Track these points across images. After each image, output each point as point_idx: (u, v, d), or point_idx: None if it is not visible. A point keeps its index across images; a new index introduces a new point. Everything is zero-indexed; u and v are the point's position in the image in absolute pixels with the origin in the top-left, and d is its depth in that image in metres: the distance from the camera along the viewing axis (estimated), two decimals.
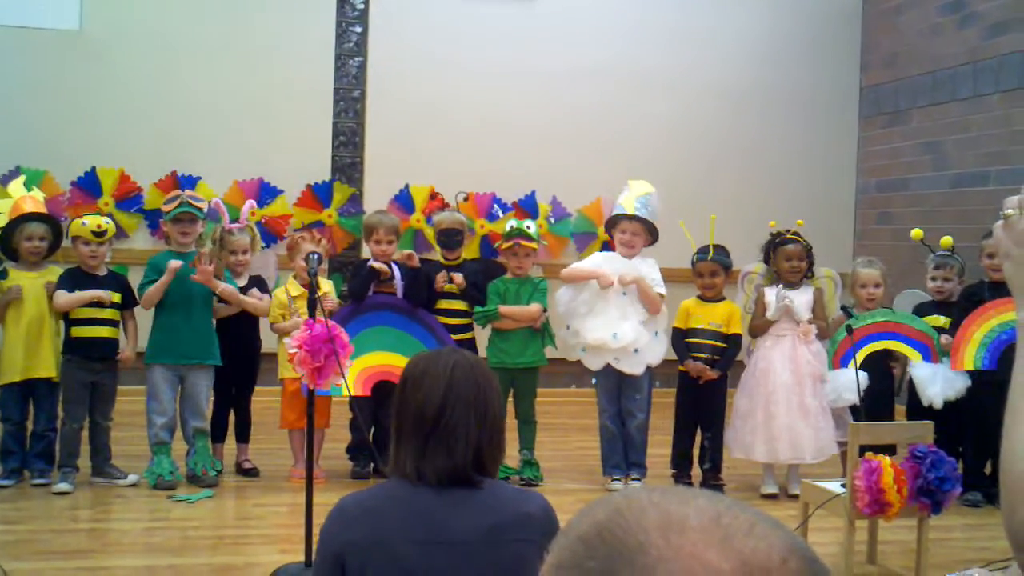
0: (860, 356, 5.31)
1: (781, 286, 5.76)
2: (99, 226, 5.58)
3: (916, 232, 5.58)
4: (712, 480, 5.74)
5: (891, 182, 8.67)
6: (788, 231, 5.89)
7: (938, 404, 5.38)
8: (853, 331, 5.20)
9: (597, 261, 5.90)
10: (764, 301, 5.80)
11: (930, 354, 5.57)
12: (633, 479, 5.76)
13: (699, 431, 5.86)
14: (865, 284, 5.88)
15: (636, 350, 5.68)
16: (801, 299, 5.74)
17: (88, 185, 7.82)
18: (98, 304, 5.50)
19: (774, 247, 5.85)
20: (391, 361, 5.61)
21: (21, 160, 7.59)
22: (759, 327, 5.79)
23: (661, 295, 5.75)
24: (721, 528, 0.87)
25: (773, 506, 5.52)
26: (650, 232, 5.84)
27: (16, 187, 5.76)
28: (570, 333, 5.85)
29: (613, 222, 5.90)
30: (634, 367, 5.71)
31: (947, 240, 5.63)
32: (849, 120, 9.11)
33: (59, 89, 7.79)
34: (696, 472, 5.84)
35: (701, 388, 5.74)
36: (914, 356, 5.61)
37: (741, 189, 8.64)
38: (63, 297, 5.46)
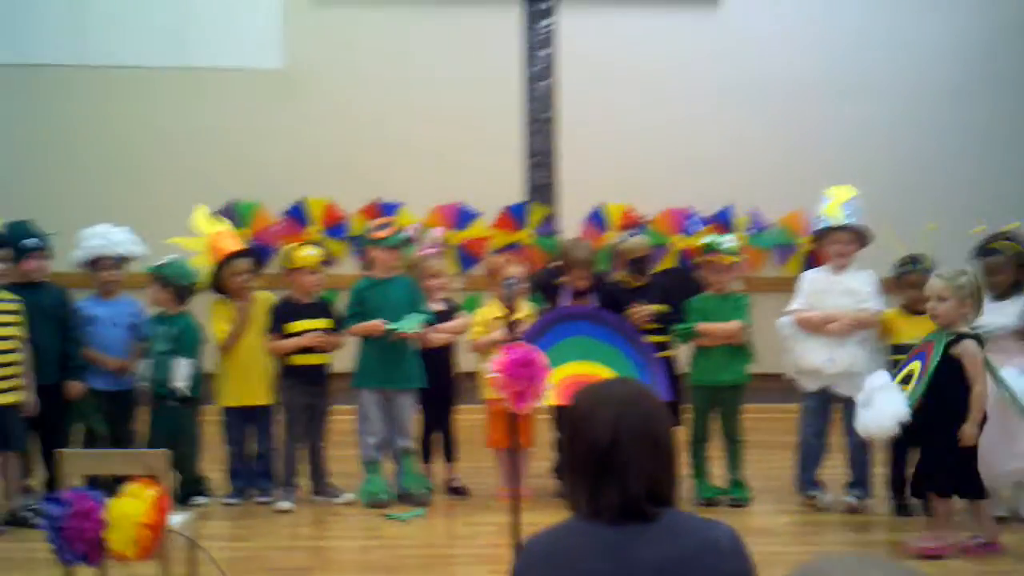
0: None
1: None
2: (323, 254, 5.88)
3: None
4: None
5: None
6: (996, 237, 5.54)
7: None
8: None
9: (808, 280, 5.75)
10: None
11: None
12: (855, 496, 5.60)
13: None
14: None
15: (853, 374, 5.51)
16: (1008, 311, 5.36)
17: (297, 215, 8.21)
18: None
19: (978, 258, 5.52)
20: (592, 371, 5.54)
21: (236, 193, 8.04)
22: None
23: (877, 311, 5.58)
24: None
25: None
26: (860, 238, 5.66)
27: (203, 220, 5.86)
28: (788, 355, 5.74)
29: (822, 234, 5.74)
30: (852, 390, 5.54)
31: None
32: None
33: (267, 126, 8.22)
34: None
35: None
36: None
37: (957, 193, 8.24)
38: (277, 343, 5.76)
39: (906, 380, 4.96)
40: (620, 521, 2.08)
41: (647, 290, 5.99)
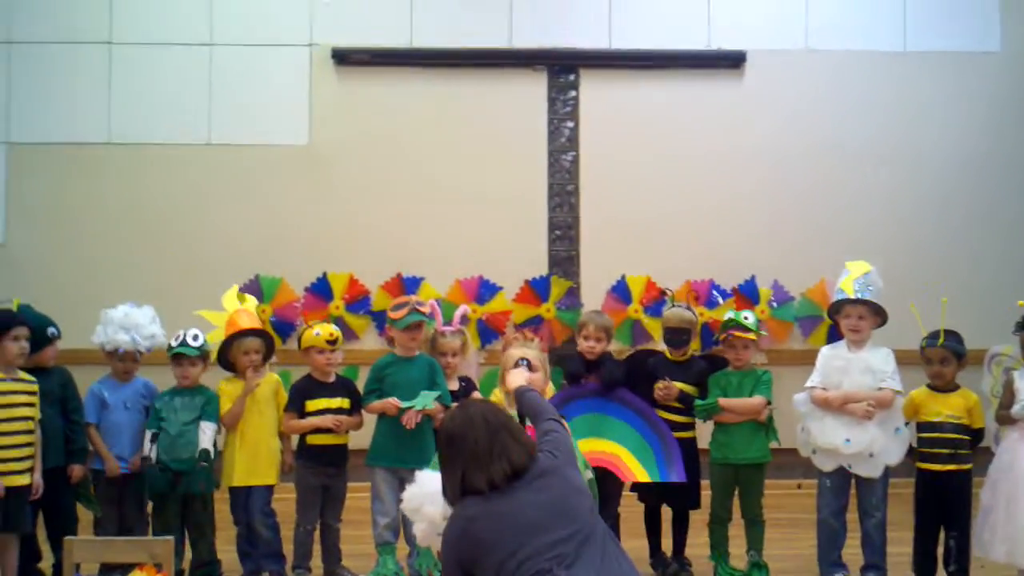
0: None
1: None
2: (331, 334, 5.80)
3: None
4: None
5: None
6: None
7: None
8: None
9: (825, 357, 5.64)
10: (1013, 388, 5.35)
11: None
12: None
13: (943, 530, 5.44)
14: None
15: (871, 454, 5.39)
16: None
17: (320, 290, 8.23)
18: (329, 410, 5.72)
19: (1019, 332, 5.40)
20: (602, 448, 5.53)
21: (259, 268, 8.10)
22: (1006, 418, 5.34)
23: (896, 391, 5.43)
24: None
25: None
26: (877, 313, 5.54)
27: (230, 300, 5.90)
28: (803, 433, 5.61)
29: (836, 308, 5.65)
30: (870, 471, 5.43)
31: None
32: None
33: (291, 200, 8.29)
34: None
35: (944, 483, 5.36)
36: None
37: (983, 262, 8.18)
38: (293, 423, 5.75)
39: None
40: (511, 482, 3.17)
41: (687, 368, 5.87)
